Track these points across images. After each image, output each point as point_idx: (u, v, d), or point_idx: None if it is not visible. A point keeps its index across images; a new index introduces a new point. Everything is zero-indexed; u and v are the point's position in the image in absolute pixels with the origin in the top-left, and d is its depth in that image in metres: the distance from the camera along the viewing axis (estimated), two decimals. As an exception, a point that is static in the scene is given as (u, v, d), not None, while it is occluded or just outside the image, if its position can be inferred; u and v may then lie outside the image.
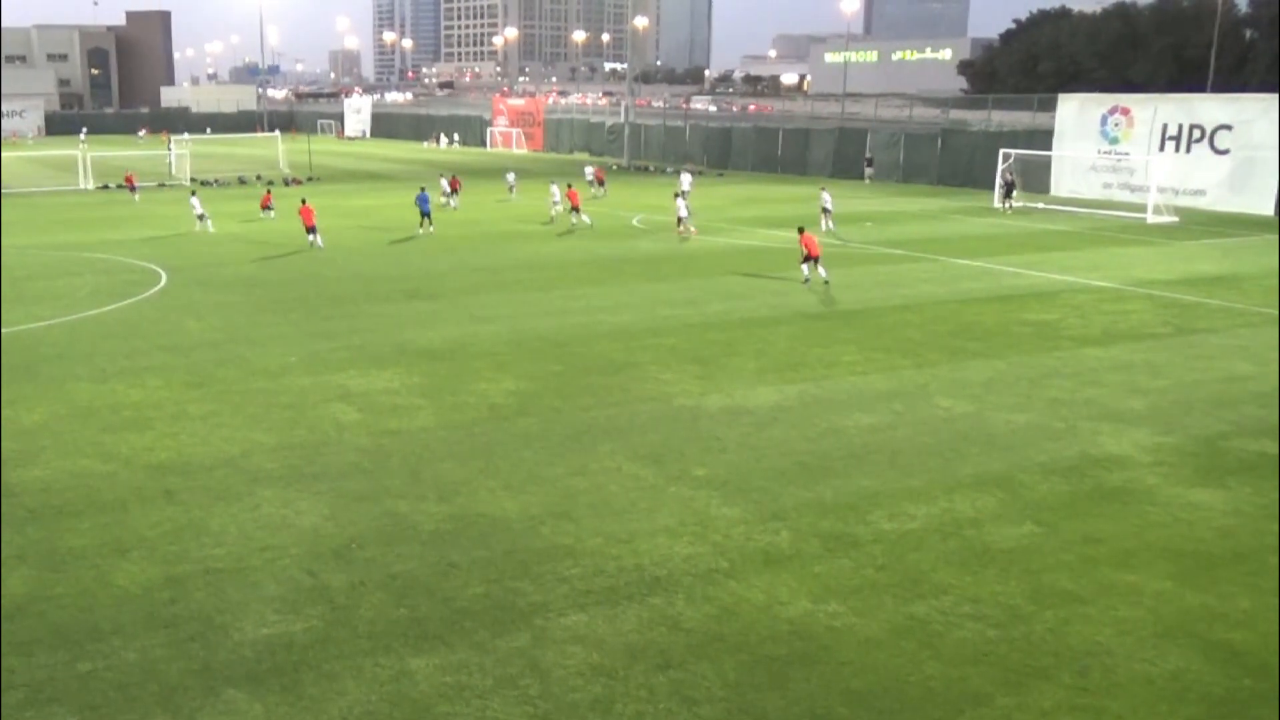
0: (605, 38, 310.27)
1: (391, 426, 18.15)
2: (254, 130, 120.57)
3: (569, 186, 46.84)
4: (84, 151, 68.22)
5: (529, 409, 19.15)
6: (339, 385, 20.61)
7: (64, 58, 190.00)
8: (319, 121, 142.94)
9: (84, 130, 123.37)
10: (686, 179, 59.10)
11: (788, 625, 11.40)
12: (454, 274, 33.05)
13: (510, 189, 57.21)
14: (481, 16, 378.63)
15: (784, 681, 10.34)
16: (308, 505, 14.69)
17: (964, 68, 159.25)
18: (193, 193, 45.29)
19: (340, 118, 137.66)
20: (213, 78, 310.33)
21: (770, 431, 17.88)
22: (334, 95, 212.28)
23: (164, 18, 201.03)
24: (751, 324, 26.13)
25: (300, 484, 15.49)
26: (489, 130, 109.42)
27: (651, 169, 79.37)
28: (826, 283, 30.62)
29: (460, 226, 45.02)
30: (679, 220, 41.89)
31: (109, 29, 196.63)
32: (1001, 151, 56.41)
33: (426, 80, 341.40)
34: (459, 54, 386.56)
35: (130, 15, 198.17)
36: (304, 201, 40.19)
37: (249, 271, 33.51)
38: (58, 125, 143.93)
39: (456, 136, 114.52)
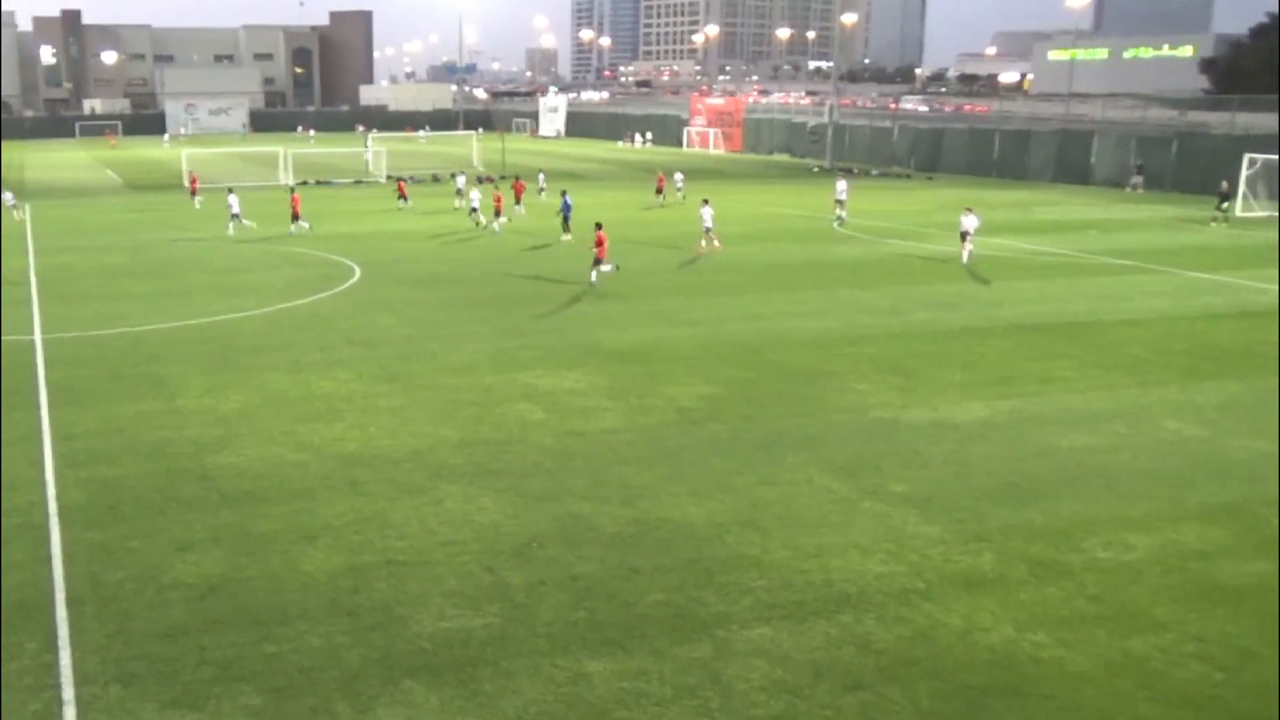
0: (811, 35, 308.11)
1: (576, 427, 18.55)
2: (451, 129, 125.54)
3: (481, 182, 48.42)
4: (311, 146, 72.32)
5: (719, 415, 19.22)
6: (525, 384, 21.21)
7: (269, 57, 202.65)
8: (514, 120, 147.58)
9: (311, 130, 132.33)
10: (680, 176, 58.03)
11: (987, 653, 11.05)
12: (646, 275, 33.48)
13: (678, 189, 57.12)
14: (682, 14, 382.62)
15: (981, 712, 10.03)
16: (490, 502, 15.18)
17: (1206, 66, 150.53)
18: (229, 190, 47.19)
19: (535, 116, 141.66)
20: (410, 76, 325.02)
21: (976, 448, 17.37)
22: (530, 94, 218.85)
23: (366, 17, 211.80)
24: (959, 334, 25.45)
25: (483, 481, 16.02)
26: (685, 130, 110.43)
27: (855, 171, 78.39)
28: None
29: (653, 228, 45.59)
30: (706, 230, 38.84)
31: (313, 29, 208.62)
32: (1247, 157, 53.03)
33: (623, 79, 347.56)
34: (657, 52, 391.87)
35: (334, 15, 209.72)
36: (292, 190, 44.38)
37: (441, 269, 34.89)
38: (262, 122, 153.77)
39: (650, 136, 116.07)
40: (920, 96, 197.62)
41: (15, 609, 12.04)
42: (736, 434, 18.16)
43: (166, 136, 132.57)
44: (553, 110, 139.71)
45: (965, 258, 34.84)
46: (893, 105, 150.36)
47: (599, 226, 32.00)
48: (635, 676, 10.64)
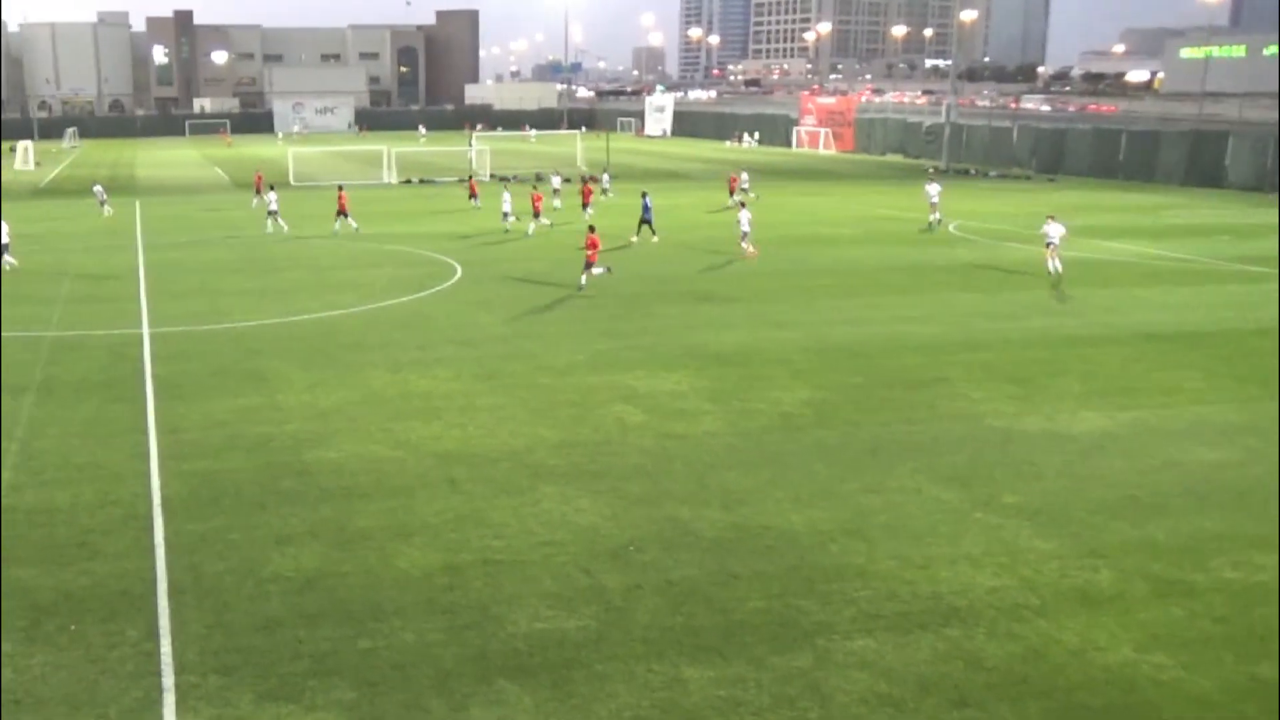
0: (928, 33, 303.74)
1: (677, 430, 18.57)
2: (556, 128, 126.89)
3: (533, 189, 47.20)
4: (420, 145, 73.68)
5: (824, 420, 19.06)
6: (625, 385, 21.31)
7: (375, 56, 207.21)
8: (619, 119, 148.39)
9: (421, 127, 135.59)
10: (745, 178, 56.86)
11: (1104, 673, 10.75)
12: (750, 277, 33.39)
13: (744, 189, 56.47)
14: (793, 11, 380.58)
15: (1099, 737, 9.76)
16: (588, 504, 15.28)
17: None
18: (270, 187, 47.82)
19: (641, 115, 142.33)
20: (515, 75, 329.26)
21: (1095, 461, 16.92)
22: (635, 93, 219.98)
23: (472, 16, 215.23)
24: (1079, 342, 24.83)
25: (581, 482, 16.14)
26: (795, 130, 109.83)
27: (973, 172, 77.05)
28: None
29: (760, 229, 45.38)
30: (742, 235, 38.08)
31: (419, 28, 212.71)
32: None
33: (732, 78, 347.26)
34: (767, 50, 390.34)
35: (440, 14, 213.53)
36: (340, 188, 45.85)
37: (541, 268, 35.25)
38: (366, 121, 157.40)
39: (758, 135, 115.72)
40: (1042, 96, 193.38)
41: (119, 597, 12.50)
42: (842, 440, 17.99)
43: (280, 135, 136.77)
44: (659, 109, 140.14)
45: (1052, 269, 32.60)
46: (1013, 104, 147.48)
47: (591, 230, 32.05)
48: (733, 684, 10.61)
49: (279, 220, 44.99)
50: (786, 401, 20.16)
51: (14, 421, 19.13)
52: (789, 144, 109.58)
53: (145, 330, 26.35)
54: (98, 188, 53.75)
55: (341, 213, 44.56)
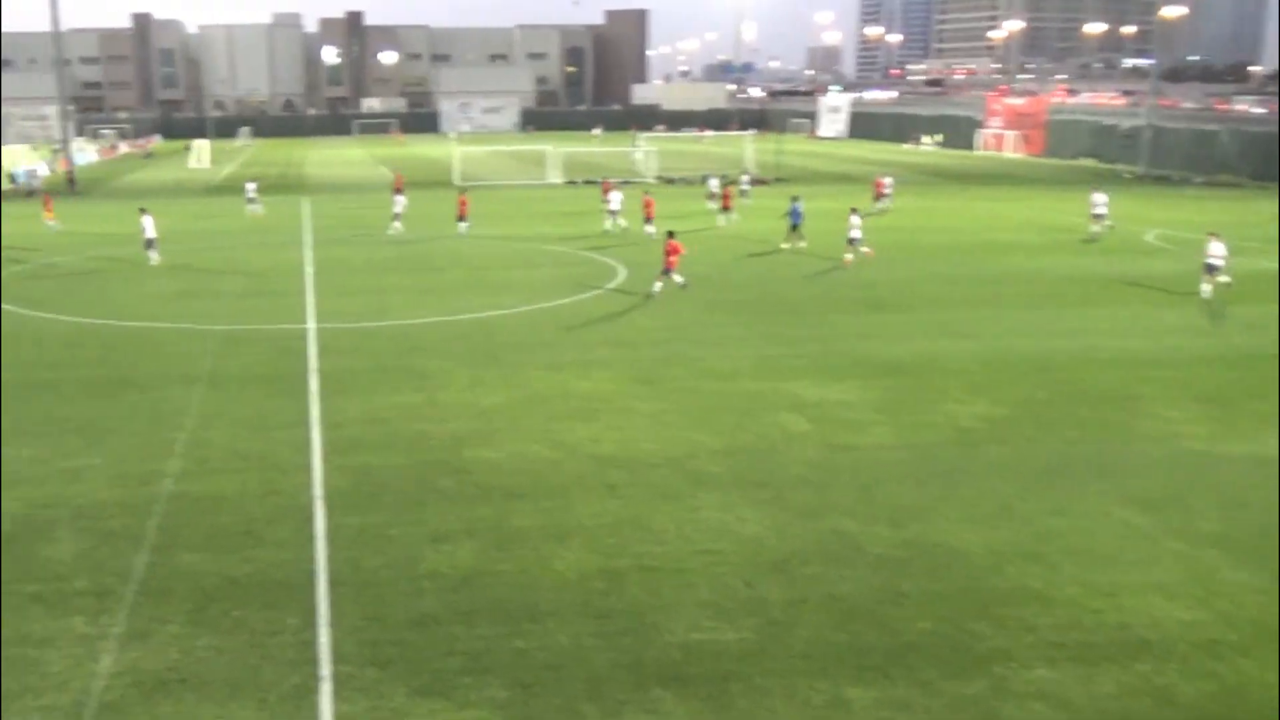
0: (1127, 30, 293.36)
1: (844, 441, 18.40)
2: (725, 128, 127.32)
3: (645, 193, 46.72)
4: (594, 145, 74.98)
5: (1003, 436, 18.60)
6: (790, 393, 21.21)
7: (543, 56, 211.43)
8: (791, 120, 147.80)
9: (598, 129, 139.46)
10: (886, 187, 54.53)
11: (1316, 720, 10.20)
12: (925, 284, 32.83)
13: (886, 195, 55.04)
14: (980, 8, 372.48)
15: (1307, 787, 9.26)
16: (750, 513, 15.27)
17: None
18: (398, 191, 48.03)
19: (814, 116, 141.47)
20: (685, 75, 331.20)
21: (1309, 490, 16.05)
22: (809, 93, 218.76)
23: (641, 16, 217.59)
24: (1293, 362, 23.59)
25: (744, 491, 16.14)
26: (978, 132, 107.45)
27: (1175, 178, 74.02)
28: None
29: (938, 234, 44.62)
30: (850, 241, 37.09)
31: (588, 27, 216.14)
32: None
33: (912, 77, 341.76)
34: (951, 49, 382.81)
35: (609, 14, 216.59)
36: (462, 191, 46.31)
37: (703, 270, 35.35)
38: (532, 122, 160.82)
39: (940, 137, 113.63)
40: (1256, 97, 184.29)
41: (280, 586, 13.08)
42: (1022, 458, 17.52)
43: (453, 134, 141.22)
44: (834, 110, 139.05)
45: (1208, 292, 30.68)
46: (1221, 106, 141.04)
47: (671, 235, 31.54)
48: (899, 707, 10.45)
49: (398, 223, 45.98)
50: (962, 415, 19.75)
51: (184, 412, 20.21)
52: (972, 146, 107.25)
53: (310, 326, 27.48)
54: (250, 185, 56.08)
55: (461, 218, 45.19)
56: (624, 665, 11.28)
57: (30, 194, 67.79)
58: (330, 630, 11.97)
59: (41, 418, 20.07)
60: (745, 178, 60.52)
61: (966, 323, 27.53)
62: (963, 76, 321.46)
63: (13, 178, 75.12)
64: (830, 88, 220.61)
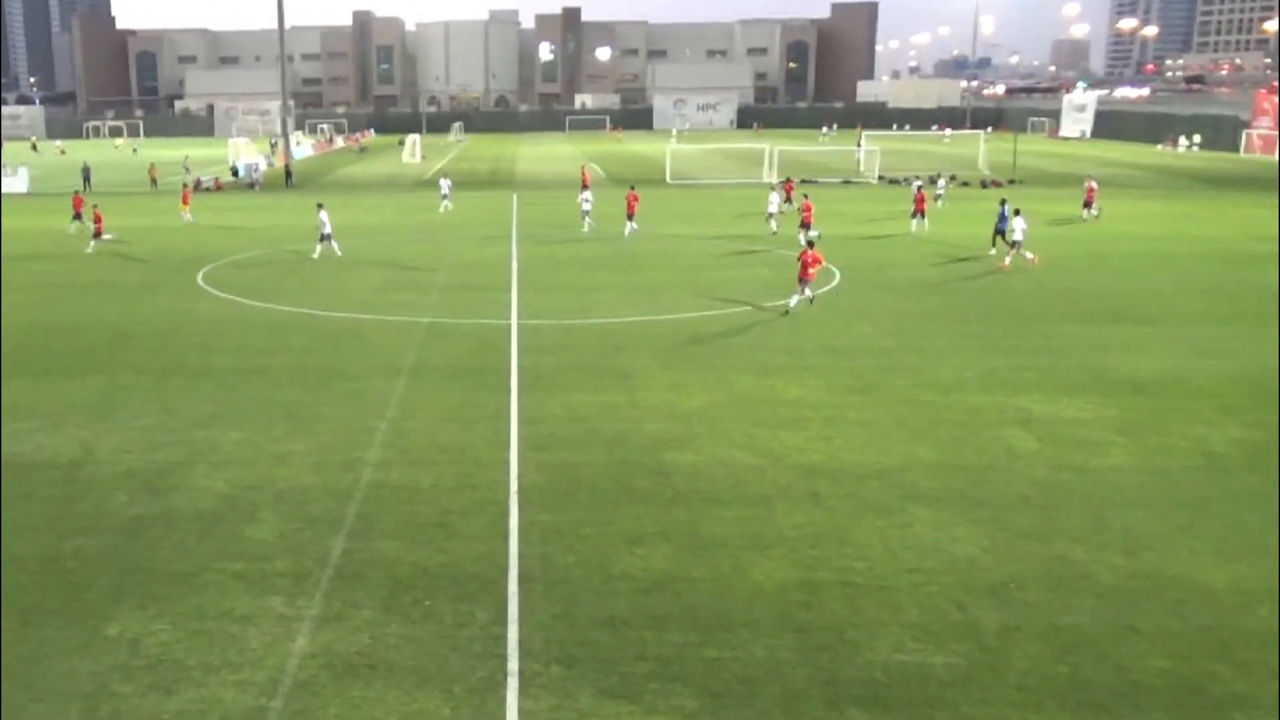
0: None
1: (1075, 461, 17.75)
2: (958, 127, 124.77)
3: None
4: (824, 144, 74.82)
5: (1258, 464, 17.59)
6: (1017, 408, 20.61)
7: (763, 51, 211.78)
8: (1030, 119, 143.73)
9: (829, 128, 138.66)
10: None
11: None
12: (1171, 296, 31.36)
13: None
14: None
15: None
16: (965, 533, 14.90)
17: None
18: (584, 187, 47.45)
19: (1056, 115, 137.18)
20: (914, 71, 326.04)
21: None
22: (1051, 90, 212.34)
23: (870, 9, 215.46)
24: None
25: (959, 508, 15.76)
26: (1244, 133, 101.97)
27: None
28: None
29: (1189, 242, 42.58)
30: (1011, 245, 35.89)
31: (812, 22, 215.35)
32: None
33: (1169, 74, 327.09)
34: (1215, 43, 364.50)
35: (836, 7, 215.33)
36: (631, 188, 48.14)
37: (929, 276, 34.74)
38: (748, 119, 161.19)
39: (1198, 139, 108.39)
40: None
41: (472, 579, 13.50)
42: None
43: (673, 130, 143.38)
44: (1078, 108, 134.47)
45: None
46: None
47: (810, 245, 30.32)
48: (1124, 748, 10.02)
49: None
50: (1213, 439, 18.77)
51: (385, 402, 21.10)
52: (1236, 149, 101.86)
53: (513, 321, 28.26)
54: (444, 181, 57.63)
55: (629, 216, 45.40)
56: (821, 682, 11.17)
57: (252, 186, 71.96)
58: (519, 626, 12.28)
59: (251, 402, 21.31)
60: (941, 181, 58.95)
61: (1218, 339, 26.14)
62: (1228, 72, 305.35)
63: (234, 171, 80.00)
64: (1077, 84, 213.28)
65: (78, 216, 46.88)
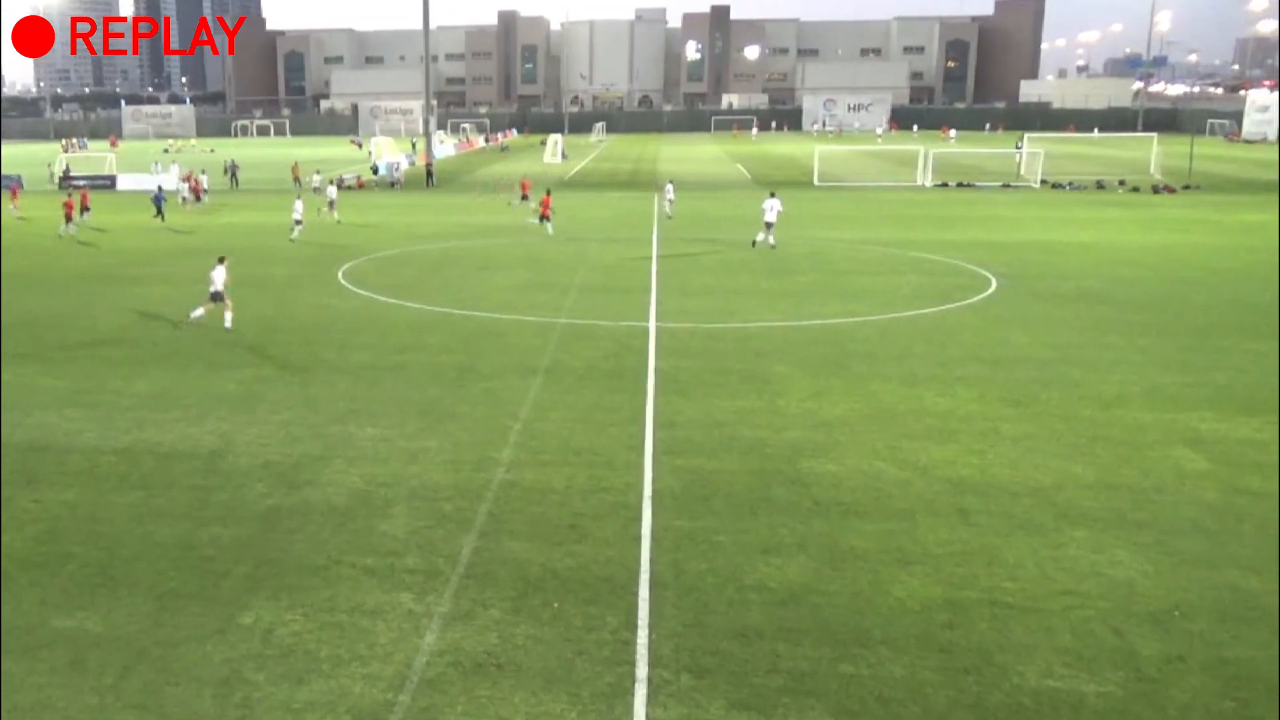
0: None
1: (1251, 485, 17.09)
2: (1129, 129, 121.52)
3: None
4: (951, 146, 74.08)
5: None
6: (1187, 427, 19.94)
7: (920, 50, 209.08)
8: (1209, 121, 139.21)
9: (952, 131, 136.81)
10: None
11: None
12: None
13: None
14: None
15: None
16: (1125, 556, 14.47)
17: None
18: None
19: (1238, 116, 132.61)
20: (1083, 70, 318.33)
21: None
22: (1234, 90, 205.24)
23: (1036, 6, 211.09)
24: None
25: (1120, 530, 15.31)
26: None
27: None
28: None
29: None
30: None
31: (973, 19, 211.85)
32: None
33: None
34: None
35: (1000, 4, 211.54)
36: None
37: (1094, 285, 33.85)
38: (902, 119, 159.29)
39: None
40: None
41: (602, 583, 13.58)
42: None
43: (818, 130, 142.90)
44: (1262, 109, 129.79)
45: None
46: None
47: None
48: (1294, 790, 9.60)
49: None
50: (1403, 466, 17.89)
51: (520, 402, 21.39)
52: None
53: (652, 324, 28.38)
54: (669, 187, 55.82)
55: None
56: (965, 705, 10.95)
57: (393, 185, 73.74)
58: (649, 633, 12.31)
59: (387, 399, 21.82)
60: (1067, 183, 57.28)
61: None
62: None
63: (375, 169, 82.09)
64: (1263, 83, 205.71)
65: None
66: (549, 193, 49.73)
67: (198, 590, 13.58)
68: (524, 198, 54.45)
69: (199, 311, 28.84)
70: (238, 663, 11.86)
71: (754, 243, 42.86)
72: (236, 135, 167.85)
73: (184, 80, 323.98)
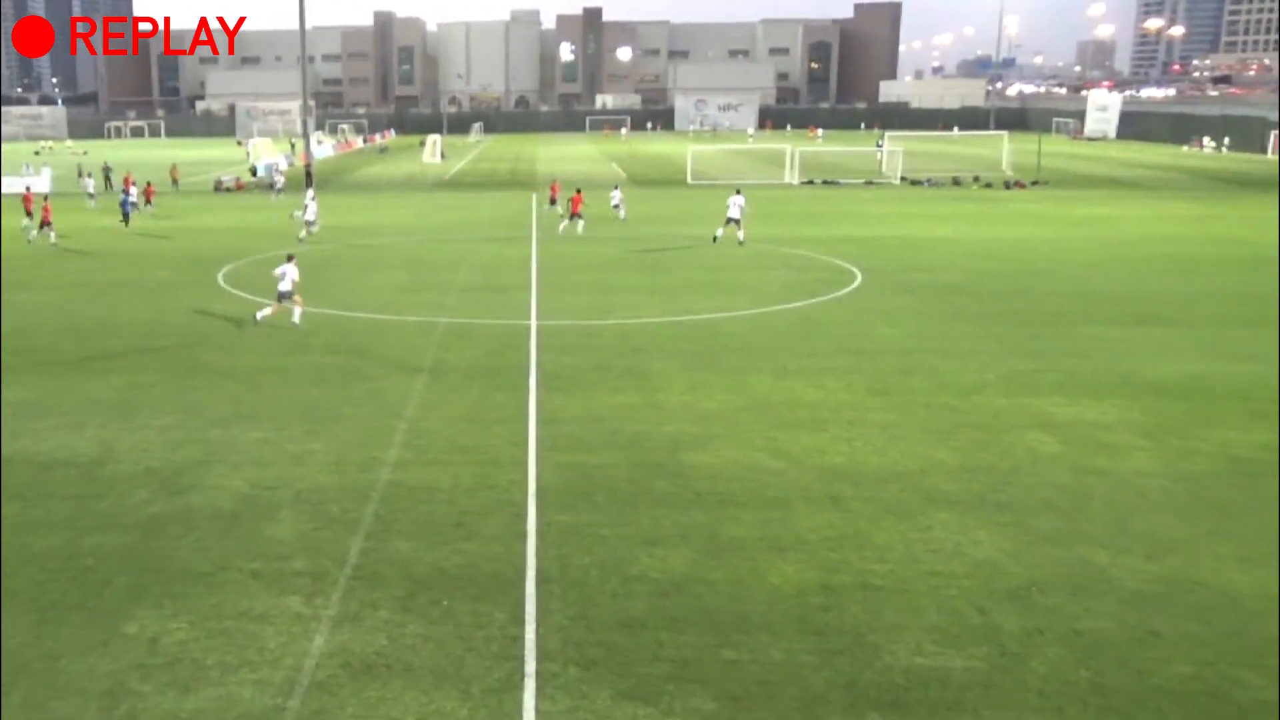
0: None
1: (1098, 465, 17.67)
2: (981, 128, 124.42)
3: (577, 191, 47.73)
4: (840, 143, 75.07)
5: (1285, 469, 17.48)
6: (1040, 411, 20.53)
7: (785, 51, 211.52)
8: (1054, 120, 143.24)
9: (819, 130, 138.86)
10: None
11: None
12: (1198, 299, 31.17)
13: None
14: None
15: None
16: (986, 536, 14.85)
17: None
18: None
19: (1080, 115, 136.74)
20: (938, 71, 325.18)
21: None
22: (1076, 90, 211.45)
23: (894, 9, 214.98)
24: None
25: (981, 512, 15.71)
26: (1272, 134, 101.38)
27: None
28: None
29: (1214, 245, 42.34)
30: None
31: (834, 22, 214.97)
32: None
33: (1196, 74, 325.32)
34: (1243, 43, 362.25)
35: (859, 7, 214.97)
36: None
37: (953, 278, 34.62)
38: (771, 119, 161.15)
39: (1227, 140, 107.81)
40: None
41: (489, 579, 13.52)
42: (1308, 493, 16.41)
43: (693, 129, 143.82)
44: (1101, 109, 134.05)
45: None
46: None
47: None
48: (1145, 754, 9.97)
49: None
50: (1239, 444, 18.65)
51: (405, 402, 21.16)
52: (1264, 150, 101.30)
53: (533, 322, 28.31)
54: (615, 192, 54.76)
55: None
56: (840, 686, 11.15)
57: (271, 187, 72.25)
58: (536, 627, 12.29)
59: (271, 402, 21.41)
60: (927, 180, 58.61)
61: (1245, 342, 25.98)
62: (1255, 73, 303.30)
63: (254, 170, 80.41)
64: (1101, 84, 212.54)
65: (31, 215, 48.89)
66: (579, 191, 48.88)
67: (79, 601, 13.17)
68: (552, 201, 53.41)
69: (266, 311, 28.10)
70: (122, 674, 11.53)
71: (715, 238, 43.00)
72: (110, 137, 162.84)
73: (55, 81, 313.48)
